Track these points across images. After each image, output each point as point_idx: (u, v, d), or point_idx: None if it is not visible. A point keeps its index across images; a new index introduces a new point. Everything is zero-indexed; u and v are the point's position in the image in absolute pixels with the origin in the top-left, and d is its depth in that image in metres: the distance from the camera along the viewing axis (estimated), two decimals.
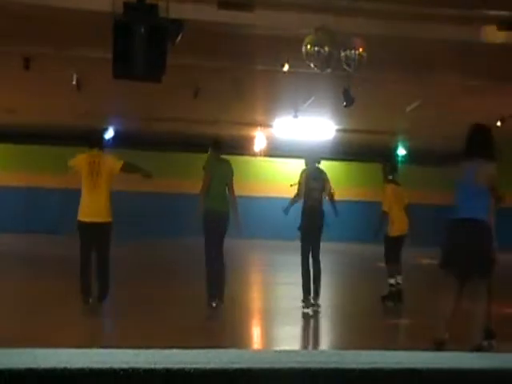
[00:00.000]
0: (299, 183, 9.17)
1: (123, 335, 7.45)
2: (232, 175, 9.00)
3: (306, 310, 8.92)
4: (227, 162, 9.09)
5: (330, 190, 9.25)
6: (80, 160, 8.57)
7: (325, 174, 9.30)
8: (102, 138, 9.99)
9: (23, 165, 22.40)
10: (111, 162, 8.54)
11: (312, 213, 9.08)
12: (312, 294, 9.00)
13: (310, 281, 9.01)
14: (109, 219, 8.40)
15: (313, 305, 8.99)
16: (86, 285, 8.28)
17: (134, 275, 12.24)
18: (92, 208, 8.30)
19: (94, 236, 8.34)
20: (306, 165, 9.34)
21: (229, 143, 20.75)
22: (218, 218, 8.71)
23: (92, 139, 8.86)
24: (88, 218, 8.30)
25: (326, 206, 9.34)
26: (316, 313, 8.95)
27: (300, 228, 9.15)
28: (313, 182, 9.13)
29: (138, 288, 10.60)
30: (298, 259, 9.14)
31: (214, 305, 8.59)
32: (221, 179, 8.87)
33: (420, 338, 7.18)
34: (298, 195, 9.18)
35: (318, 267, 9.11)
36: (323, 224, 9.15)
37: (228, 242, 8.97)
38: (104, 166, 8.44)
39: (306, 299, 8.96)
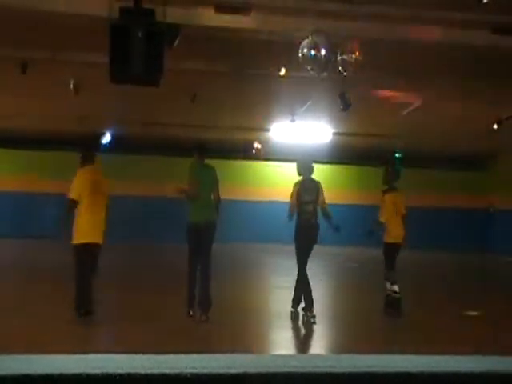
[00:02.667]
0: (291, 197, 8.86)
1: (118, 341, 7.43)
2: (217, 182, 8.61)
3: (292, 309, 8.92)
4: (212, 169, 8.69)
5: (323, 203, 8.90)
6: (82, 179, 8.23)
7: (319, 184, 8.97)
8: (94, 151, 9.21)
9: (20, 169, 22.37)
10: (108, 187, 8.48)
11: (307, 227, 8.81)
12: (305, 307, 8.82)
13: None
14: (102, 241, 8.29)
15: (310, 315, 8.77)
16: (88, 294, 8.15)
17: (131, 280, 12.21)
18: (94, 229, 8.13)
19: (92, 256, 8.20)
20: (299, 175, 9.03)
21: (226, 148, 20.86)
22: (204, 229, 8.38)
23: (87, 154, 8.51)
24: (90, 239, 8.12)
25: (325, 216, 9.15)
26: (312, 323, 8.70)
27: (295, 241, 8.92)
28: (305, 195, 8.81)
29: (133, 293, 10.59)
30: (296, 263, 9.08)
31: (191, 313, 8.39)
32: (207, 187, 8.51)
33: (418, 341, 7.17)
34: (291, 209, 8.83)
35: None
36: (317, 240, 8.86)
37: (228, 245, 8.91)
38: (105, 186, 8.40)
39: (295, 304, 8.95)
